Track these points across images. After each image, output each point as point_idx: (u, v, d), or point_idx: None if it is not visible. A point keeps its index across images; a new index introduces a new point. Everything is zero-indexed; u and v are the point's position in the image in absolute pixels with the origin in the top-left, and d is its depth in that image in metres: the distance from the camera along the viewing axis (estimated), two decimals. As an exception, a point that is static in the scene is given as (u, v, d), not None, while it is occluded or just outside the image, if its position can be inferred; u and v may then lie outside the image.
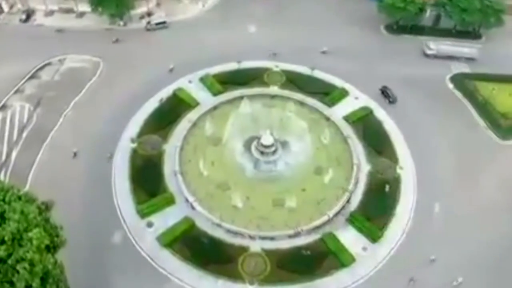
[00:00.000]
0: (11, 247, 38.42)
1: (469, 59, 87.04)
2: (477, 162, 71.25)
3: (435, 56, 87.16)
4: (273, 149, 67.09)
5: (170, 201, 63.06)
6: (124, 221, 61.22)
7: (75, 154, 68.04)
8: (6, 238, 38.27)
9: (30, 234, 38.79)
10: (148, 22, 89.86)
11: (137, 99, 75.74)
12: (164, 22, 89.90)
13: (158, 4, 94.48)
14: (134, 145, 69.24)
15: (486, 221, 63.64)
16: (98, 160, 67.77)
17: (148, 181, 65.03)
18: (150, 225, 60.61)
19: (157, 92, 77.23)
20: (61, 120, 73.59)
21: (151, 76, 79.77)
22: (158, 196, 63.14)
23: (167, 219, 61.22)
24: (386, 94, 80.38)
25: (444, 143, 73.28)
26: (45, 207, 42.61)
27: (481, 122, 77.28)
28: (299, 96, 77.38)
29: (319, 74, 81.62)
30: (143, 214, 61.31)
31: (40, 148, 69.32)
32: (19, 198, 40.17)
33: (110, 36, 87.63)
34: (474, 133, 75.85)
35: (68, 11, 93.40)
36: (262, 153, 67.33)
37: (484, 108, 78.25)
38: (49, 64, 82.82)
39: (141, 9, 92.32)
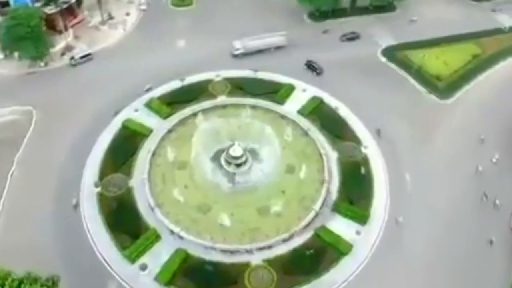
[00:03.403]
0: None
1: (279, 47, 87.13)
2: (427, 125, 76.12)
3: (244, 55, 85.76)
4: (244, 158, 66.44)
5: (156, 237, 60.20)
6: (113, 271, 57.39)
7: (35, 213, 62.59)
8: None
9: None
10: (72, 58, 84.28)
11: (85, 140, 70.88)
12: (89, 54, 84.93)
13: (76, 37, 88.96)
14: (99, 189, 65.13)
15: (452, 177, 68.61)
16: (63, 214, 62.96)
17: (125, 223, 61.52)
18: (143, 268, 57.47)
19: (104, 128, 72.88)
20: (8, 182, 67.15)
21: (92, 113, 75.19)
22: (141, 237, 59.90)
23: (158, 256, 58.43)
24: (312, 68, 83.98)
25: (394, 114, 77.07)
26: (52, 283, 38.71)
27: (420, 88, 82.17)
28: (250, 100, 77.09)
29: (262, 74, 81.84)
30: (132, 259, 57.93)
31: (-5, 218, 63.05)
32: (21, 282, 36.03)
33: (34, 80, 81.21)
34: (417, 99, 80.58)
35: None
36: (232, 164, 66.41)
37: (420, 74, 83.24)
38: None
39: (60, 45, 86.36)
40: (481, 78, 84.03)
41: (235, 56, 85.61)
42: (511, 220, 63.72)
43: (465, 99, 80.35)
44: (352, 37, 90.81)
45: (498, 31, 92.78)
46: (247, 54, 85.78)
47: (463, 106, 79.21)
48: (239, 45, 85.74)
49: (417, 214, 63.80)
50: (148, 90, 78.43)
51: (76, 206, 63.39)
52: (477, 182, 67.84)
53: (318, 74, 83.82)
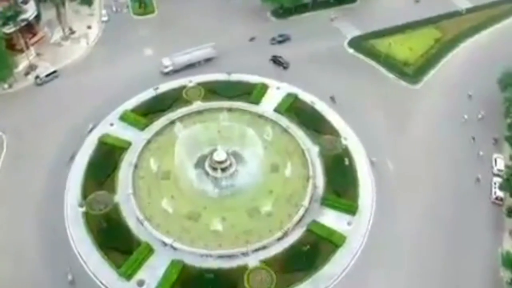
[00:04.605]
0: None
1: (209, 60, 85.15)
2: (401, 111, 78.43)
3: (176, 71, 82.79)
4: (228, 162, 66.24)
5: (149, 251, 59.34)
6: (111, 291, 56.41)
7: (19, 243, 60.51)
8: None
9: None
10: (37, 77, 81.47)
11: (62, 160, 69.25)
12: (54, 71, 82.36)
13: (38, 55, 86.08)
14: (83, 209, 63.50)
15: (430, 160, 70.75)
16: (49, 239, 61.13)
17: (116, 240, 60.29)
18: (141, 283, 56.51)
19: (80, 146, 71.16)
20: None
21: (66, 131, 73.32)
22: (134, 252, 58.90)
23: (154, 270, 57.62)
24: (278, 62, 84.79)
25: (368, 103, 78.74)
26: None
27: (389, 75, 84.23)
28: (225, 103, 76.84)
29: (235, 76, 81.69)
30: (127, 276, 56.86)
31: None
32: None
33: (0, 104, 78.15)
34: (387, 86, 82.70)
35: None
36: (217, 170, 66.10)
37: (387, 62, 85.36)
38: None
39: (22, 65, 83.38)
40: (445, 60, 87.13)
41: (166, 73, 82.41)
42: (492, 194, 66.40)
43: (433, 82, 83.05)
44: (282, 40, 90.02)
45: (455, 13, 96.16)
46: (177, 70, 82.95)
47: (432, 89, 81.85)
48: (168, 62, 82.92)
49: (403, 196, 65.77)
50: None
51: (62, 229, 61.62)
52: (456, 165, 70.26)
53: (284, 68, 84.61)
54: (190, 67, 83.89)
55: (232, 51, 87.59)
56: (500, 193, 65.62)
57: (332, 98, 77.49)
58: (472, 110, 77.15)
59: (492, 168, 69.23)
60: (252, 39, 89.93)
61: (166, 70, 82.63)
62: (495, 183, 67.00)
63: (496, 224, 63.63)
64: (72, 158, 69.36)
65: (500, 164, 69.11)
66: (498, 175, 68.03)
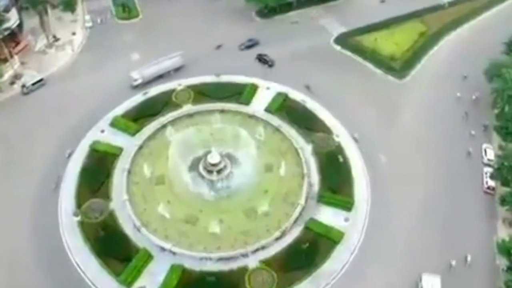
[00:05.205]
0: None
1: (178, 69, 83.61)
2: (390, 105, 79.11)
3: (145, 84, 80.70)
4: (222, 164, 66.13)
5: (148, 257, 59.00)
6: (112, 300, 55.94)
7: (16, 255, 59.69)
8: None
9: None
10: (23, 85, 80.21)
11: (53, 170, 68.35)
12: (41, 80, 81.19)
13: (23, 63, 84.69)
14: (79, 218, 62.81)
15: (422, 152, 71.74)
16: (45, 250, 60.46)
17: (113, 248, 59.80)
18: (142, 290, 56.31)
19: (71, 154, 70.38)
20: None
21: (56, 140, 72.47)
22: (133, 259, 58.46)
23: (155, 276, 57.36)
24: (263, 60, 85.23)
25: (357, 100, 79.20)
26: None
27: (377, 70, 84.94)
28: (215, 105, 76.65)
29: (224, 78, 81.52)
30: (128, 284, 56.47)
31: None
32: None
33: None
34: (376, 82, 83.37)
35: None
36: (212, 172, 65.96)
37: (374, 58, 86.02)
38: None
39: (8, 74, 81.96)
40: (431, 53, 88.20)
41: (135, 87, 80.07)
42: (483, 184, 67.53)
43: (421, 76, 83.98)
44: (250, 45, 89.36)
45: (438, 7, 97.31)
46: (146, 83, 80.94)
47: (419, 82, 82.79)
48: (137, 75, 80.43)
49: (398, 190, 66.54)
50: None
51: (58, 240, 60.94)
52: (447, 155, 71.29)
53: (270, 66, 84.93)
54: (159, 77, 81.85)
55: (218, 52, 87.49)
56: (491, 183, 66.75)
57: (308, 87, 78.62)
58: (462, 98, 78.77)
59: (483, 158, 70.39)
60: (218, 47, 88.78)
61: (136, 83, 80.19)
62: (486, 173, 68.13)
63: (489, 213, 64.75)
64: (63, 167, 68.47)
65: (490, 154, 70.27)
66: (488, 165, 69.18)
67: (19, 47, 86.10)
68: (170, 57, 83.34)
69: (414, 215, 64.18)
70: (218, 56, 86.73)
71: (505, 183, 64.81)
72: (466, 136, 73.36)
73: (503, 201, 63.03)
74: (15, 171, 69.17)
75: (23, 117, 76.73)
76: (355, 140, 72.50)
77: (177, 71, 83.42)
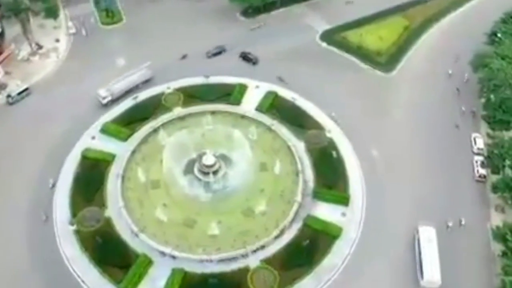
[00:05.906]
0: None
1: (147, 81, 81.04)
2: (379, 99, 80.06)
3: (114, 101, 77.92)
4: (217, 166, 66.00)
5: (148, 263, 58.72)
6: (113, 309, 55.45)
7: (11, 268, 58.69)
8: None
9: None
10: (9, 95, 78.77)
11: (45, 180, 67.56)
12: (26, 89, 79.85)
13: (7, 73, 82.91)
14: (74, 227, 62.06)
15: (412, 143, 73.07)
16: (42, 262, 59.73)
17: (112, 255, 59.40)
18: (144, 296, 55.96)
19: (63, 163, 69.55)
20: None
21: (46, 149, 71.50)
22: (133, 266, 58.07)
23: (156, 281, 57.23)
24: (247, 58, 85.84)
25: (346, 95, 79.73)
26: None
27: (363, 65, 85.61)
28: (206, 107, 76.40)
29: (213, 79, 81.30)
30: (129, 291, 56.18)
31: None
32: None
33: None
34: (363, 77, 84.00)
35: None
36: (207, 173, 65.79)
37: (361, 53, 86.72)
38: None
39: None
40: (416, 47, 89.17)
41: (105, 105, 77.31)
42: (475, 173, 68.77)
43: (407, 69, 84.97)
44: (217, 52, 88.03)
45: (420, 1, 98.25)
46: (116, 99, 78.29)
47: (406, 75, 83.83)
48: (105, 93, 77.41)
49: (391, 182, 67.60)
50: None
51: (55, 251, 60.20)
52: (437, 145, 72.56)
53: (254, 63, 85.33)
54: (129, 92, 79.65)
55: (204, 54, 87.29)
56: (482, 171, 68.05)
57: (280, 78, 79.65)
58: (449, 89, 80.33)
59: (472, 147, 71.69)
60: (184, 56, 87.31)
61: (105, 101, 77.28)
62: (476, 162, 69.41)
63: (482, 200, 66.11)
64: (55, 176, 67.68)
65: (480, 143, 71.56)
66: (478, 154, 70.47)
67: (2, 56, 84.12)
68: (137, 70, 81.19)
69: (408, 205, 65.07)
70: (204, 58, 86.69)
71: (495, 170, 66.27)
72: (455, 128, 74.95)
73: (495, 188, 64.34)
74: (6, 183, 67.95)
75: (11, 128, 75.49)
76: (334, 120, 74.43)
77: (145, 83, 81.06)
